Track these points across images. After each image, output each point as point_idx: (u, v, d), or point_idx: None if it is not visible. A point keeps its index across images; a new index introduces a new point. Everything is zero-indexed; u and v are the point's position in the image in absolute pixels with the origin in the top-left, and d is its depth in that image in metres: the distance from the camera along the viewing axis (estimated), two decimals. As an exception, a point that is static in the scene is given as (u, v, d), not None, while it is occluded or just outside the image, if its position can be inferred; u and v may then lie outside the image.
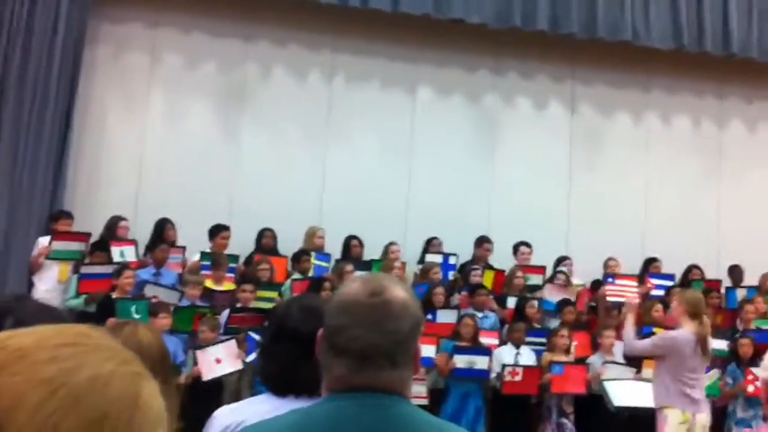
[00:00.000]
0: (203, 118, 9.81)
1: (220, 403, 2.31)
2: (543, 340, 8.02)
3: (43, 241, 7.85)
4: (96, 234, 8.33)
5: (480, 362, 7.54)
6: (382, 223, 9.49)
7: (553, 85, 10.77)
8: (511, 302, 8.57)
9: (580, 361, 7.85)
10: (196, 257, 8.35)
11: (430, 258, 9.02)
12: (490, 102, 10.61)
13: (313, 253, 8.76)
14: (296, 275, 8.50)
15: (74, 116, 9.00)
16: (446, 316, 7.96)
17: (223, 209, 9.26)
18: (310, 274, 8.49)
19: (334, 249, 9.14)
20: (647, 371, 6.54)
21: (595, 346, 8.14)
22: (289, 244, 9.02)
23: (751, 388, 7.25)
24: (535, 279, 9.04)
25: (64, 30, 8.85)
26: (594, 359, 7.89)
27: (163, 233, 8.56)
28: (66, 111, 8.88)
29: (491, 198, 10.24)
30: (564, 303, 8.46)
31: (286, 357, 2.12)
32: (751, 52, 10.44)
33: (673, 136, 10.99)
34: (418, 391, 7.32)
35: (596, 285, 9.15)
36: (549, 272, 9.29)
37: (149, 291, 7.56)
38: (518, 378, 7.48)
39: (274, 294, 7.86)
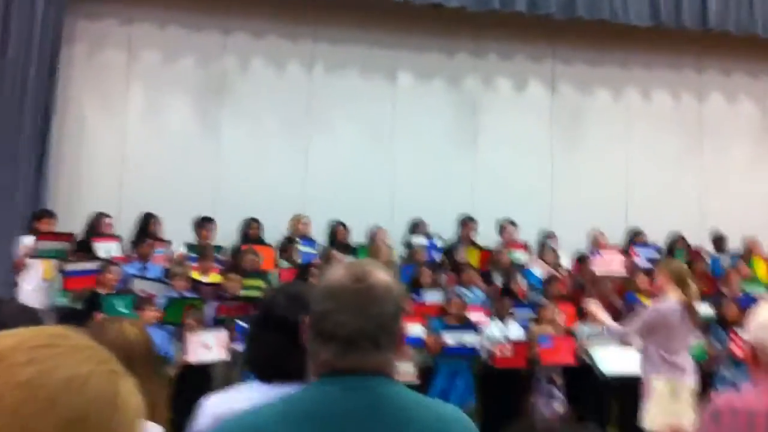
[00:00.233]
0: (183, 113, 9.79)
1: (209, 392, 2.32)
2: (530, 314, 8.06)
3: (26, 240, 7.80)
4: (79, 232, 8.29)
5: (469, 339, 7.57)
6: (366, 209, 9.50)
7: (533, 66, 10.79)
8: (498, 279, 8.61)
9: (568, 332, 7.92)
10: (182, 250, 8.33)
11: (416, 240, 9.05)
12: (471, 85, 10.62)
13: (299, 241, 8.76)
14: (283, 263, 8.51)
15: (53, 115, 8.95)
16: (434, 296, 8.00)
17: (207, 202, 9.24)
18: (298, 261, 8.50)
19: (321, 236, 9.14)
20: (635, 339, 6.57)
21: (581, 317, 8.19)
22: (274, 233, 9.02)
23: (737, 350, 7.36)
24: (520, 255, 9.07)
25: (41, 29, 8.81)
26: (581, 327, 7.96)
27: (147, 228, 8.54)
28: (45, 110, 8.84)
29: (474, 180, 10.26)
30: (551, 279, 8.51)
31: (274, 344, 2.12)
32: (728, 25, 10.47)
33: (654, 112, 11.03)
34: (408, 370, 7.37)
35: (581, 260, 9.20)
36: (534, 249, 9.34)
37: (136, 285, 7.54)
38: (508, 352, 7.53)
39: (261, 283, 7.86)
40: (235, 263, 8.31)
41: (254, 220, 9.01)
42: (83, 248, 7.94)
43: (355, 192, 9.72)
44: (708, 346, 7.93)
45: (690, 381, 5.94)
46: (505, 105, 10.62)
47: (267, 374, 2.15)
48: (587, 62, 10.91)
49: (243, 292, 7.70)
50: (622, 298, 8.19)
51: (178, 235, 8.61)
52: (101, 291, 7.31)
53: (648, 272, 8.22)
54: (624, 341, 6.28)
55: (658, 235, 9.75)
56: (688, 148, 11.01)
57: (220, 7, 9.83)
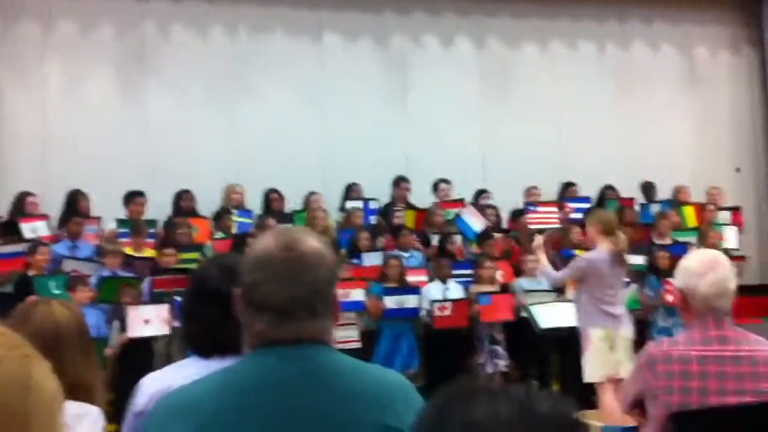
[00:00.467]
0: (104, 84, 9.52)
1: (151, 370, 2.29)
2: (469, 272, 8.16)
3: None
4: (4, 212, 8.05)
5: (410, 301, 7.64)
6: (300, 174, 9.44)
7: (460, 21, 10.77)
8: (435, 240, 8.66)
9: (506, 289, 8.04)
10: (112, 226, 8.16)
11: (351, 204, 9.03)
12: (398, 43, 10.56)
13: (234, 211, 8.66)
14: (218, 234, 8.41)
15: (-32, 93, 8.63)
16: (372, 259, 8.02)
17: (136, 175, 9.04)
18: (234, 232, 8.40)
19: (255, 205, 9.05)
20: (570, 293, 6.70)
21: (518, 273, 8.33)
22: (209, 204, 8.90)
23: (670, 298, 7.55)
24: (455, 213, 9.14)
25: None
26: (519, 282, 8.09)
27: (75, 205, 8.33)
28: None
29: (406, 138, 10.26)
30: (486, 235, 8.59)
31: (209, 318, 2.10)
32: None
33: (580, 62, 11.14)
34: (350, 335, 7.40)
35: (516, 214, 9.32)
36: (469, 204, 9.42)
37: (67, 266, 7.38)
38: (447, 312, 7.61)
39: (196, 255, 7.77)
40: (168, 237, 8.18)
41: (186, 192, 8.86)
42: (9, 229, 7.71)
43: (287, 156, 9.63)
44: (640, 295, 8.14)
45: (626, 330, 6.08)
46: (434, 62, 10.60)
47: (204, 349, 2.13)
48: (513, 15, 10.94)
49: (179, 266, 7.59)
50: (558, 253, 8.32)
51: (107, 211, 8.43)
52: (31, 273, 7.13)
53: (581, 224, 8.38)
54: (556, 285, 6.39)
55: (590, 182, 9.92)
56: (614, 95, 11.17)
57: (136, -27, 9.55)
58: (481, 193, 9.59)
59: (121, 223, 8.13)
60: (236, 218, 8.58)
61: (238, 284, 1.57)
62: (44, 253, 7.28)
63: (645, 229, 9.19)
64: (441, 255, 8.33)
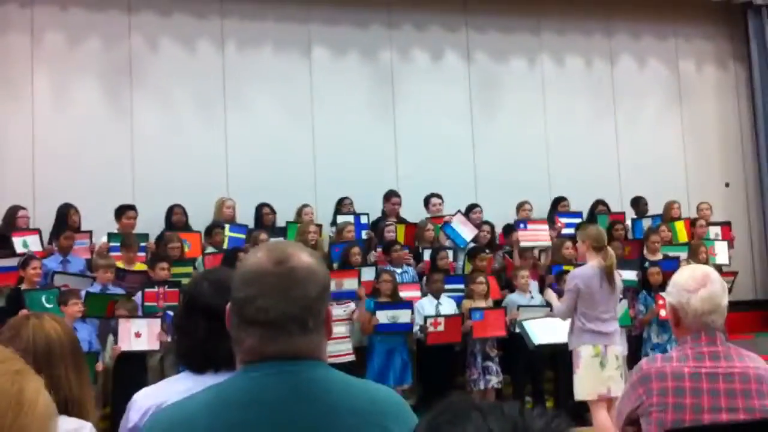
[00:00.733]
0: (92, 97, 9.47)
1: (144, 385, 2.28)
2: (462, 286, 8.15)
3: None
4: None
5: (402, 316, 7.63)
6: (290, 188, 9.45)
7: (447, 35, 10.82)
8: (427, 255, 8.65)
9: (498, 305, 8.02)
10: (104, 240, 8.12)
11: (343, 218, 9.02)
12: (387, 57, 10.59)
13: (227, 226, 8.64)
14: (210, 249, 8.38)
15: (-44, 106, 8.58)
16: (365, 274, 7.99)
17: (126, 189, 9.03)
18: (225, 246, 8.38)
19: (248, 219, 9.03)
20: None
21: (510, 288, 8.33)
22: (200, 219, 8.87)
23: (663, 313, 7.56)
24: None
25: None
26: (512, 297, 8.09)
27: (66, 219, 8.29)
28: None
29: (396, 152, 10.28)
30: (478, 250, 8.59)
31: (201, 333, 2.09)
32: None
33: (567, 77, 11.20)
34: (345, 348, 7.39)
35: (508, 229, 9.33)
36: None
37: (58, 280, 7.34)
38: (441, 328, 7.60)
39: (188, 269, 7.74)
40: (159, 251, 8.14)
41: (177, 206, 8.83)
42: (0, 243, 7.67)
43: (277, 169, 9.63)
44: (633, 311, 8.14)
45: (617, 347, 6.05)
46: (422, 76, 10.63)
47: (196, 364, 2.12)
48: (501, 30, 10.99)
49: (172, 280, 7.56)
50: (549, 269, 8.33)
51: (95, 224, 8.38)
52: (24, 287, 7.12)
53: (573, 239, 8.40)
54: (566, 317, 6.29)
55: (580, 197, 9.97)
56: (602, 110, 11.24)
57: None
58: (472, 207, 9.59)
59: (112, 237, 8.10)
60: (229, 233, 8.56)
61: (230, 299, 1.56)
62: (37, 267, 7.24)
63: (637, 244, 9.22)
64: (434, 269, 8.31)
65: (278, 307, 1.49)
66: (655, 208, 10.07)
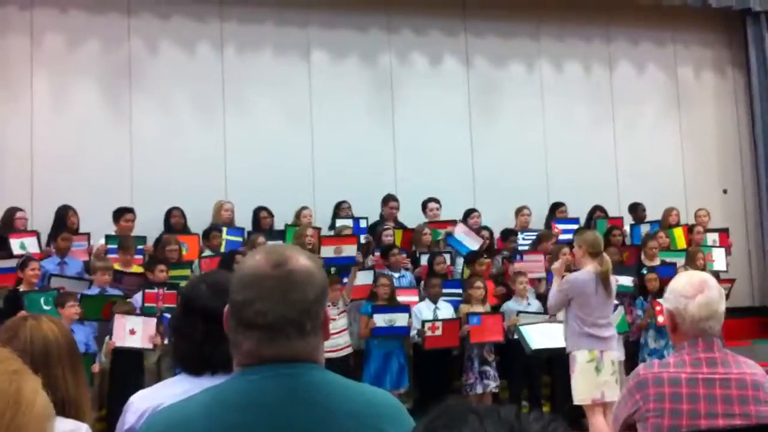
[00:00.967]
0: (91, 99, 9.47)
1: (141, 387, 2.29)
2: (459, 291, 8.15)
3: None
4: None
5: (399, 320, 7.62)
6: (289, 190, 9.44)
7: (446, 40, 10.83)
8: (424, 259, 8.65)
9: (496, 310, 8.02)
10: (102, 242, 8.12)
11: (341, 222, 9.01)
12: (386, 61, 10.60)
13: (224, 229, 8.64)
14: (207, 252, 8.38)
15: (-45, 107, 8.58)
16: (362, 278, 7.99)
17: (125, 192, 9.03)
18: (222, 249, 8.38)
19: (246, 223, 9.03)
20: (560, 314, 6.68)
21: (508, 293, 8.33)
22: (198, 222, 8.86)
23: (660, 318, 7.57)
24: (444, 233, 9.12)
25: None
26: (509, 305, 8.08)
27: (65, 221, 8.28)
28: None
29: (395, 156, 10.29)
30: (476, 255, 8.58)
31: (198, 336, 2.09)
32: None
33: (566, 82, 11.20)
34: (343, 342, 7.41)
35: (506, 234, 9.33)
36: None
37: (55, 283, 7.33)
38: (438, 332, 7.59)
39: (186, 272, 7.74)
40: (157, 254, 8.14)
41: (175, 209, 8.84)
42: None
43: (276, 172, 9.62)
44: (630, 317, 8.14)
45: (612, 354, 6.05)
46: (421, 80, 10.64)
47: (194, 367, 2.12)
48: (500, 35, 11.00)
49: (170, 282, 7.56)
50: (548, 277, 8.32)
51: (93, 226, 8.37)
52: (23, 288, 7.12)
53: (571, 245, 8.39)
54: (550, 310, 6.34)
55: (578, 202, 9.98)
56: (600, 115, 11.25)
57: (122, -13, 9.55)
58: (470, 212, 9.59)
59: (110, 239, 8.09)
60: (226, 236, 8.56)
61: (228, 302, 1.56)
62: (35, 269, 7.24)
63: (634, 249, 9.23)
64: (431, 274, 8.31)
65: (276, 311, 1.49)
66: (653, 214, 10.08)
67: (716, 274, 7.90)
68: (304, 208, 9.14)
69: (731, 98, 11.82)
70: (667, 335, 7.20)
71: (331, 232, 8.96)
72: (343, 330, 7.58)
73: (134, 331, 6.94)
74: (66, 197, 8.49)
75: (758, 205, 11.45)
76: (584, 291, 5.95)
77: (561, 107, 11.03)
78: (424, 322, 7.62)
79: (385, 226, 9.01)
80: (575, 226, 9.18)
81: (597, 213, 9.98)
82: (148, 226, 8.63)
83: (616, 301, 6.85)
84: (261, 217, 9.05)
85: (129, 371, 6.88)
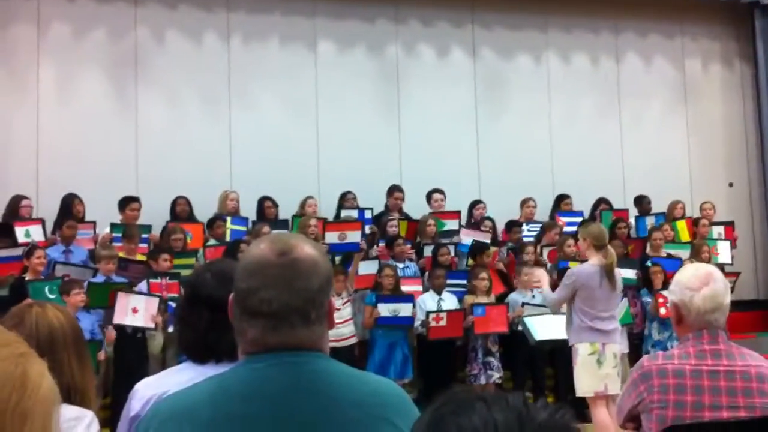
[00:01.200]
0: (97, 89, 9.47)
1: (145, 375, 2.30)
2: (464, 282, 8.14)
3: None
4: (-2, 216, 8.03)
5: (404, 310, 7.62)
6: (294, 182, 9.43)
7: (454, 31, 10.80)
8: (428, 250, 8.65)
9: (501, 301, 8.02)
10: (107, 230, 8.13)
11: (346, 213, 9.01)
12: (392, 51, 10.58)
13: (229, 218, 8.64)
14: (211, 241, 8.39)
15: (-39, 96, 8.59)
16: (367, 268, 7.99)
17: (130, 182, 9.04)
18: (227, 239, 8.39)
19: (251, 214, 9.03)
20: (564, 306, 6.68)
21: (512, 288, 8.33)
22: (203, 213, 8.87)
23: (663, 311, 7.57)
24: (452, 224, 9.09)
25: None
26: (514, 296, 8.09)
27: (70, 209, 8.29)
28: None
29: (401, 147, 10.27)
30: (480, 246, 8.56)
31: (203, 324, 2.10)
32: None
33: (573, 74, 11.17)
34: (348, 332, 7.45)
35: (511, 226, 9.32)
36: (464, 217, 9.39)
37: (60, 270, 7.34)
38: (443, 323, 7.59)
39: (191, 261, 7.75)
40: (162, 243, 8.15)
41: (181, 198, 8.85)
42: (4, 233, 7.67)
43: (281, 162, 9.63)
44: (634, 309, 8.14)
45: (614, 347, 6.04)
46: (428, 71, 10.61)
47: (199, 355, 2.13)
48: (507, 27, 10.97)
49: (175, 271, 7.57)
50: (555, 265, 8.32)
51: (98, 215, 8.38)
52: (28, 277, 7.13)
53: (575, 237, 8.39)
54: (555, 308, 6.34)
55: (583, 194, 9.97)
56: (607, 107, 11.22)
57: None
58: (476, 203, 9.58)
59: (115, 227, 8.10)
60: (231, 226, 8.57)
61: (233, 290, 1.56)
62: (41, 257, 7.24)
63: (640, 242, 9.21)
64: (436, 265, 8.31)
65: (281, 299, 1.50)
66: (658, 207, 10.06)
67: (721, 267, 7.89)
68: (309, 197, 9.13)
69: (738, 91, 11.78)
70: (670, 327, 7.23)
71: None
72: (348, 320, 7.60)
73: (137, 310, 6.94)
74: (71, 187, 8.50)
75: (764, 198, 11.43)
76: (588, 283, 5.94)
77: (568, 100, 11.00)
78: (428, 313, 7.63)
79: (390, 217, 9.01)
80: (579, 219, 9.18)
81: (602, 205, 9.96)
82: (154, 216, 8.63)
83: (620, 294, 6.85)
84: (265, 206, 9.06)
85: (133, 359, 6.89)
